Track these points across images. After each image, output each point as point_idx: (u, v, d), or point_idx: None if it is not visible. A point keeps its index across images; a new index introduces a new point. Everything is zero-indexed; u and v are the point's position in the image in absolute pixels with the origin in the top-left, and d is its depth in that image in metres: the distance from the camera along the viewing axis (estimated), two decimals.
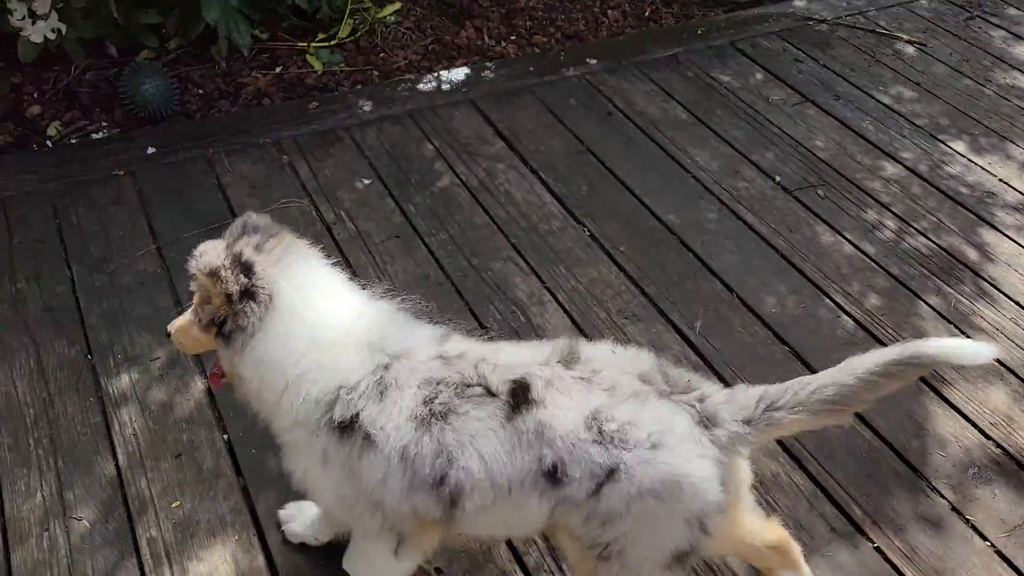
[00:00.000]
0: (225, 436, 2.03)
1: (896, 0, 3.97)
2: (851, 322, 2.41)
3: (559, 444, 1.38)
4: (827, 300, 2.48)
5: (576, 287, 2.47)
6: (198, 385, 2.13)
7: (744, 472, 1.50)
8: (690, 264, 2.57)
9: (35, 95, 3.11)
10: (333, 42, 3.47)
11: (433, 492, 1.43)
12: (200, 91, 3.22)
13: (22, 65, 3.14)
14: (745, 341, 2.34)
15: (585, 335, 2.32)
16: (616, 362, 1.46)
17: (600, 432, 1.37)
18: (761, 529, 1.63)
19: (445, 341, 1.52)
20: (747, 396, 1.41)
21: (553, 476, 1.39)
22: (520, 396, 1.40)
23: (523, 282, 2.48)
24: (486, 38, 3.64)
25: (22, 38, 2.99)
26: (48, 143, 2.92)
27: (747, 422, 1.39)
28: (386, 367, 1.44)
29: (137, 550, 1.80)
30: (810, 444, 2.09)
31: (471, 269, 2.51)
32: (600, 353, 1.48)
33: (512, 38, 3.67)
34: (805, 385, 1.39)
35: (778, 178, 2.91)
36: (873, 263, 2.60)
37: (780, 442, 2.09)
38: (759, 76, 3.42)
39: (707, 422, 1.40)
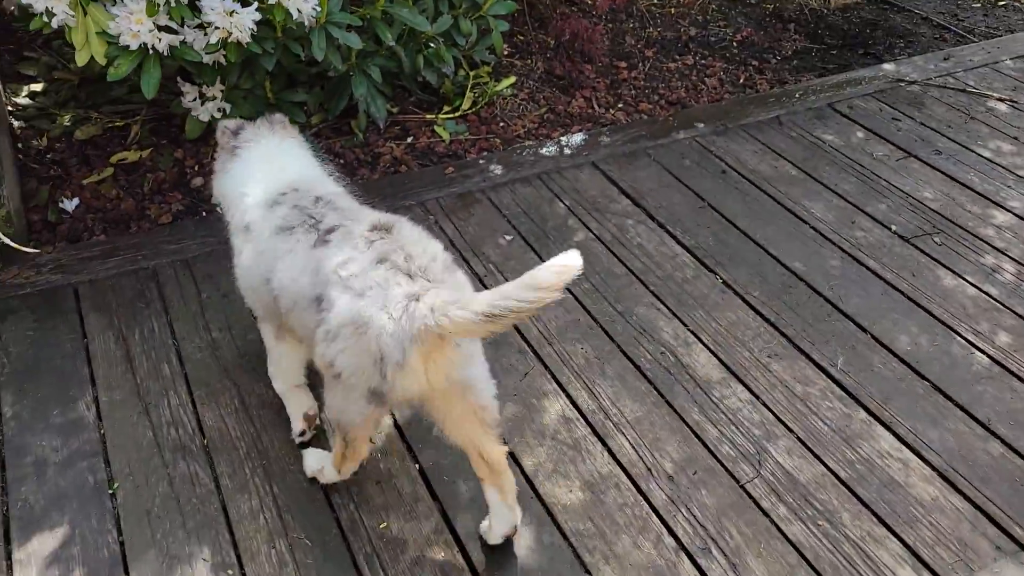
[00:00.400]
0: (417, 465, 2.22)
1: (981, 62, 4.17)
2: (985, 358, 2.55)
3: (323, 277, 1.83)
4: (958, 338, 2.62)
5: (718, 329, 2.65)
6: (385, 419, 2.33)
7: (446, 359, 1.76)
8: (822, 307, 2.73)
9: (196, 168, 3.43)
10: (457, 114, 3.76)
11: (266, 287, 2.00)
12: (342, 160, 3.51)
13: (182, 142, 3.49)
14: (886, 376, 2.49)
15: (734, 374, 2.49)
16: (407, 239, 1.85)
17: (340, 277, 1.79)
18: (481, 438, 1.90)
19: (333, 198, 2.06)
20: (466, 298, 1.70)
21: (319, 303, 1.82)
22: (326, 235, 1.90)
23: (667, 325, 2.66)
24: (596, 107, 3.91)
25: (190, 117, 3.34)
26: (217, 209, 3.21)
27: (443, 312, 1.67)
28: (283, 194, 2.06)
29: (355, 564, 1.98)
30: (962, 468, 2.22)
31: (617, 315, 2.70)
32: (406, 232, 1.89)
33: (619, 106, 3.93)
34: (504, 294, 1.62)
35: (894, 227, 3.08)
36: (998, 303, 2.74)
37: (933, 466, 2.22)
38: (860, 134, 3.62)
39: (416, 298, 1.71)
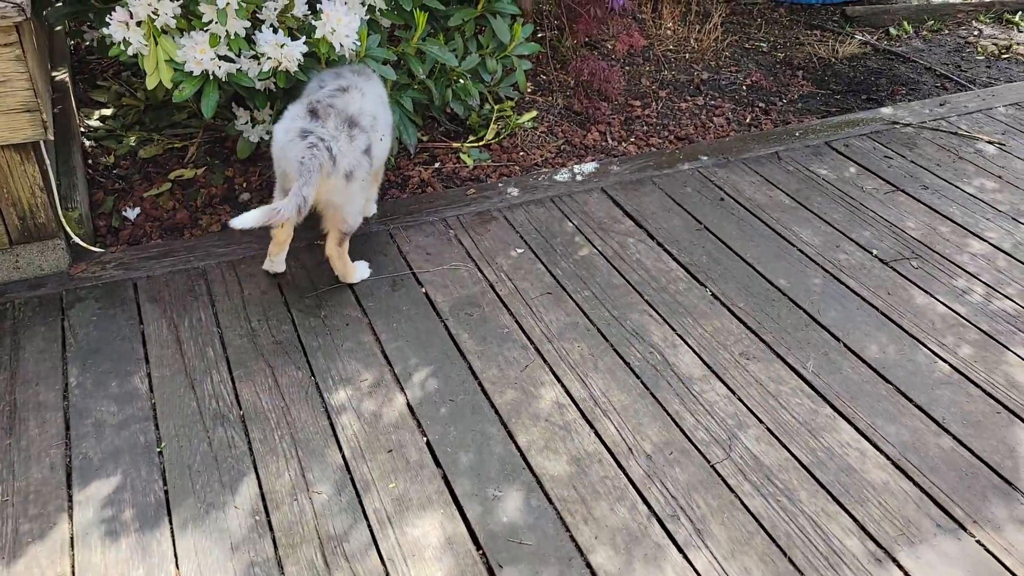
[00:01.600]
0: (425, 438, 2.51)
1: (975, 108, 4.44)
2: (947, 367, 2.78)
3: None
4: (924, 349, 2.86)
5: (703, 334, 2.92)
6: (399, 399, 2.63)
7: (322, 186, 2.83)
8: (801, 318, 3.00)
9: (244, 184, 3.81)
10: (481, 143, 4.11)
11: None
12: None
13: (233, 161, 3.88)
14: (853, 379, 2.74)
15: (714, 372, 2.76)
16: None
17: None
18: (332, 235, 3.02)
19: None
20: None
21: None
22: None
23: (658, 329, 2.94)
24: (609, 140, 4.24)
25: (242, 139, 3.73)
26: None
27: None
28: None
29: (366, 516, 2.28)
30: (914, 459, 2.45)
31: (613, 319, 2.99)
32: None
33: (631, 140, 4.26)
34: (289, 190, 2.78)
35: (875, 251, 3.34)
36: (964, 320, 2.98)
37: (888, 456, 2.46)
38: (853, 170, 3.90)
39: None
